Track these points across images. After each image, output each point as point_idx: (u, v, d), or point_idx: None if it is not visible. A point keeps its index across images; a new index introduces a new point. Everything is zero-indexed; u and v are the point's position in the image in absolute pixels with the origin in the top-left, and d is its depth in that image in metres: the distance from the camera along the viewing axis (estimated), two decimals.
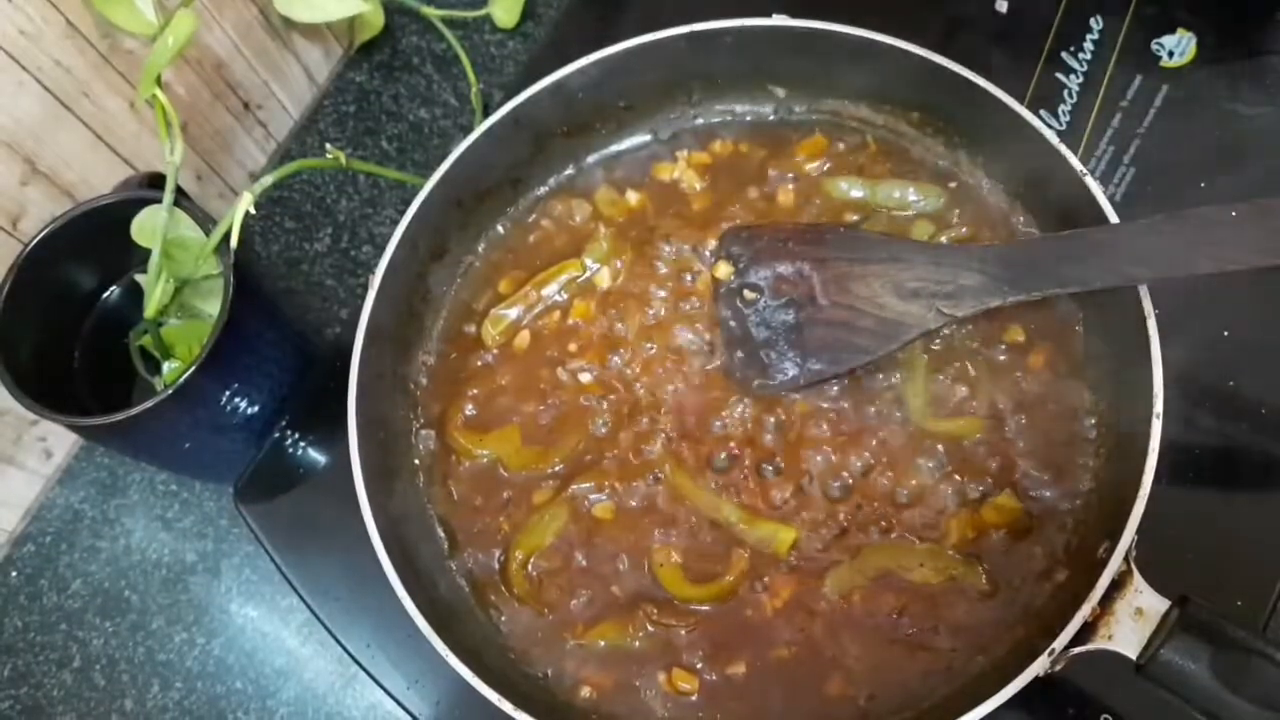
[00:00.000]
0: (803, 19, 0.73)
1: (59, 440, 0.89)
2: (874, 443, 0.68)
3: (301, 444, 0.80)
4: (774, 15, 0.74)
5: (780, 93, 0.79)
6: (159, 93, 0.70)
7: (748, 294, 0.72)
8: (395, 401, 0.74)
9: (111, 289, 0.80)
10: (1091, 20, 0.87)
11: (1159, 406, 0.60)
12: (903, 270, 0.68)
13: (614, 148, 0.81)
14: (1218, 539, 0.70)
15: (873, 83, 0.75)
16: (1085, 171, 0.66)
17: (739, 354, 0.71)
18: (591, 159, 0.81)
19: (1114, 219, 0.64)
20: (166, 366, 0.77)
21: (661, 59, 0.76)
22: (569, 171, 0.81)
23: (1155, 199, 0.81)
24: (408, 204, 0.73)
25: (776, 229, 0.74)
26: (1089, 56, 0.86)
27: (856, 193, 0.75)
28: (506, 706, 0.59)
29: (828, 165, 0.77)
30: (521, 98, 0.74)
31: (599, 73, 0.75)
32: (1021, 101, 0.69)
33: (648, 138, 0.81)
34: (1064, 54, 0.86)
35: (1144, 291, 0.62)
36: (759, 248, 0.70)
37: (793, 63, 0.76)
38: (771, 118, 0.80)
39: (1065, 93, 0.85)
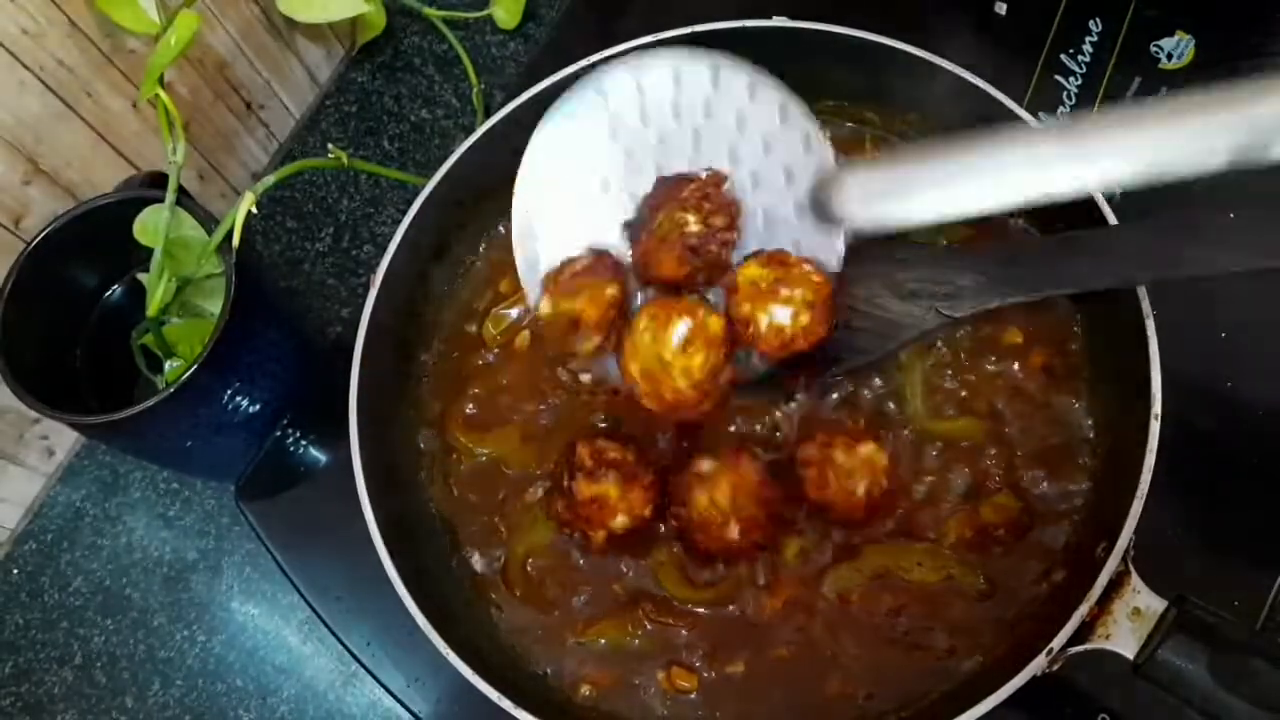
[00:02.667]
0: (802, 20, 0.73)
1: (61, 438, 0.89)
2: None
3: (303, 442, 0.81)
4: (774, 17, 0.74)
5: None
6: (161, 92, 0.71)
7: None
8: (396, 400, 0.74)
9: (114, 288, 0.80)
10: (1090, 22, 0.88)
11: (1157, 407, 0.61)
12: (901, 271, 0.69)
13: None
14: (1215, 540, 0.70)
15: (872, 84, 0.75)
16: None
17: (739, 354, 0.71)
18: None
19: (1113, 220, 0.65)
20: (168, 365, 0.77)
21: None
22: None
23: (1153, 200, 0.80)
24: (409, 204, 0.73)
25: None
26: (1088, 59, 0.86)
27: None
28: (506, 704, 0.59)
29: None
30: (523, 98, 0.75)
31: None
32: (1020, 103, 0.69)
33: None
34: (1063, 56, 0.87)
35: (1143, 293, 0.63)
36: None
37: (793, 64, 0.76)
38: None
39: (1064, 95, 0.85)
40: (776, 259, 0.64)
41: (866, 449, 0.64)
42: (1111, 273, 0.63)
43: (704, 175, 0.66)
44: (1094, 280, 0.64)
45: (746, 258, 0.65)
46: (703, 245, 0.64)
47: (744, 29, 0.74)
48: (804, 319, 0.62)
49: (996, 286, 0.66)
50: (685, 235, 0.64)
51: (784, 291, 0.62)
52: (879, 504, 0.64)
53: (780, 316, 0.62)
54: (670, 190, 0.66)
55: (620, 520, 0.63)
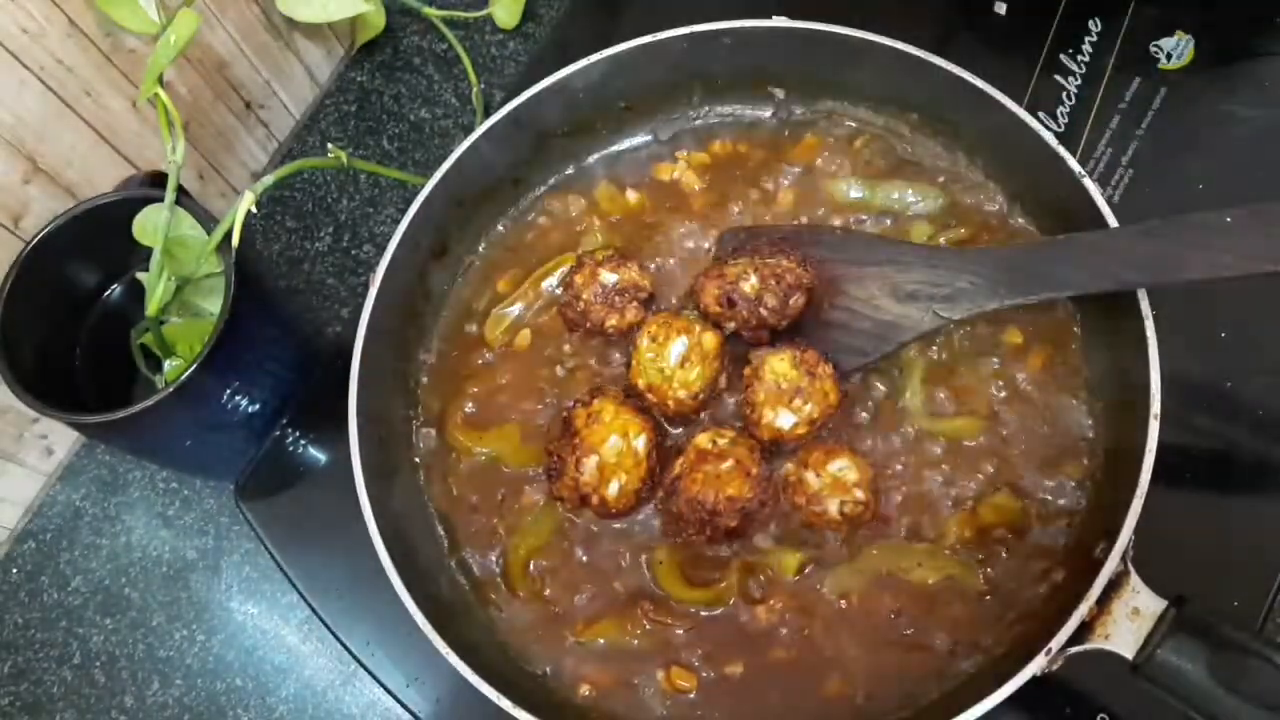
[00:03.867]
0: (802, 20, 0.73)
1: (60, 437, 0.89)
2: (872, 444, 0.69)
3: (302, 442, 0.81)
4: (774, 17, 0.74)
5: (780, 94, 0.80)
6: (161, 92, 0.71)
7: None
8: (395, 400, 0.74)
9: (113, 287, 0.80)
10: (1090, 22, 0.88)
11: (1156, 408, 0.61)
12: (900, 272, 0.68)
13: (614, 148, 0.81)
14: (1215, 540, 0.70)
15: (872, 84, 0.76)
16: (1083, 173, 0.66)
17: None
18: (592, 159, 0.81)
19: (1112, 221, 0.65)
20: (168, 364, 0.77)
21: (662, 60, 0.76)
22: (569, 171, 0.81)
23: (1153, 201, 0.81)
24: (409, 203, 0.73)
25: (775, 230, 0.74)
26: (1087, 59, 0.86)
27: (856, 194, 0.76)
28: (506, 704, 0.59)
29: (827, 166, 0.77)
30: (522, 98, 0.75)
31: (599, 73, 0.75)
32: (1020, 103, 0.69)
33: (648, 138, 0.81)
34: (1063, 56, 0.87)
35: (1142, 294, 0.63)
36: (757, 249, 0.70)
37: (792, 64, 0.77)
38: (771, 119, 0.80)
39: (1064, 94, 0.85)
40: (807, 363, 0.65)
41: (835, 466, 0.64)
42: (1109, 277, 0.63)
43: (802, 267, 0.68)
44: (1092, 284, 0.64)
45: (780, 344, 0.67)
46: (739, 306, 0.67)
47: (744, 29, 0.74)
48: (801, 430, 0.66)
49: (994, 289, 0.66)
50: (735, 286, 0.67)
51: (797, 403, 0.65)
52: (859, 518, 0.65)
53: (783, 420, 0.65)
54: (764, 248, 0.69)
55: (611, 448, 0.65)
